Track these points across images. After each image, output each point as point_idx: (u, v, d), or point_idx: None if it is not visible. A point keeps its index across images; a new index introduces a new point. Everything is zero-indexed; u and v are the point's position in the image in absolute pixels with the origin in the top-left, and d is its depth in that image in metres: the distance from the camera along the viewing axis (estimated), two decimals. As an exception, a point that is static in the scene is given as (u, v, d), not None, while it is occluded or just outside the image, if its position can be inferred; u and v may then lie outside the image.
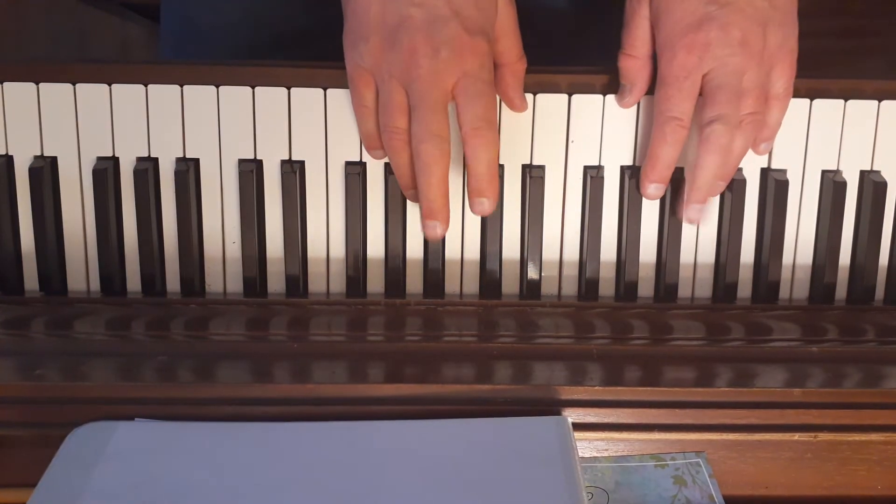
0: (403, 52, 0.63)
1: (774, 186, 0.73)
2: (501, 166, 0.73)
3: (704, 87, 0.67)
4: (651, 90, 0.71)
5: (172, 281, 0.74)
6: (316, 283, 0.75)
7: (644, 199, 0.72)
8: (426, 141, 0.64)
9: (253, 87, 0.71)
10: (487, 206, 0.67)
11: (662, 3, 0.67)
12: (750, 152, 0.71)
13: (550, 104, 0.72)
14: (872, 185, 0.73)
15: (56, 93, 0.71)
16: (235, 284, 0.74)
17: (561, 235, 0.74)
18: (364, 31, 0.65)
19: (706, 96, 0.67)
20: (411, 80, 0.64)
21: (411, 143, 0.65)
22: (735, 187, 0.72)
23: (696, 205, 0.70)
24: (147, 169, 0.71)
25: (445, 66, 0.64)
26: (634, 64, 0.70)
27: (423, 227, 0.68)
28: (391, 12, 0.64)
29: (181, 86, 0.71)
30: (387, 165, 0.72)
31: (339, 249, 0.74)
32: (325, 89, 0.71)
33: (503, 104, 0.71)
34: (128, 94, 0.71)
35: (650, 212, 0.74)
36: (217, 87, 0.71)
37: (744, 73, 0.67)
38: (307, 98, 0.71)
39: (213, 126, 0.72)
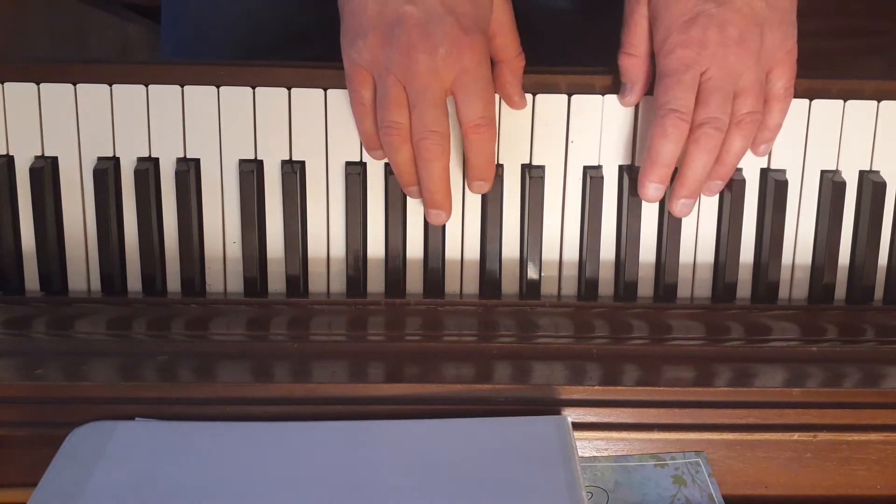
0: (401, 49, 0.64)
1: (774, 186, 0.73)
2: (501, 165, 0.73)
3: (700, 86, 0.67)
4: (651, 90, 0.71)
5: (173, 281, 0.74)
6: (316, 283, 0.75)
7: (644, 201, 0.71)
8: (427, 138, 0.66)
9: (253, 88, 0.71)
10: (486, 187, 0.71)
11: (661, 0, 0.67)
12: (749, 153, 0.72)
13: (550, 104, 0.72)
14: (871, 186, 0.73)
15: (57, 93, 0.71)
16: (236, 284, 0.74)
17: (560, 235, 0.74)
18: (362, 29, 0.65)
19: (700, 96, 0.67)
20: (410, 76, 0.64)
21: (412, 138, 0.66)
22: (734, 187, 0.72)
23: (682, 199, 0.70)
24: (148, 169, 0.72)
25: (444, 63, 0.64)
26: (635, 62, 0.70)
27: (427, 215, 0.70)
28: (388, 10, 0.64)
29: (182, 86, 0.71)
30: (387, 165, 0.72)
31: (339, 249, 0.74)
32: (325, 89, 0.71)
33: (502, 101, 0.72)
34: (128, 94, 0.71)
35: (650, 211, 0.74)
36: (217, 87, 0.71)
37: (741, 72, 0.66)
38: (307, 98, 0.72)
39: (214, 126, 0.72)
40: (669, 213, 0.72)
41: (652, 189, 0.69)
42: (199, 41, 0.88)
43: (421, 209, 0.72)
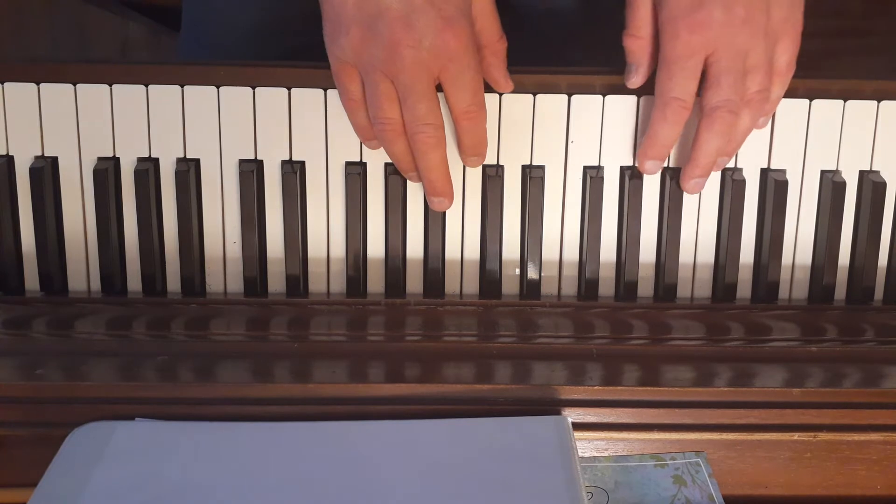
0: (385, 45, 0.64)
1: (774, 186, 0.73)
2: (501, 166, 0.73)
3: (709, 69, 0.66)
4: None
5: (173, 281, 0.74)
6: (316, 283, 0.75)
7: (643, 185, 0.72)
8: (421, 131, 0.66)
9: (253, 88, 0.71)
10: (481, 160, 0.72)
11: None
12: (749, 155, 0.71)
13: (550, 104, 0.72)
14: (871, 186, 0.73)
15: (57, 93, 0.71)
16: (236, 284, 0.74)
17: (561, 235, 0.74)
18: (343, 24, 0.65)
19: (710, 79, 0.66)
20: (396, 71, 0.64)
21: (406, 131, 0.67)
22: (734, 187, 0.72)
23: (696, 179, 0.70)
24: (148, 169, 0.72)
25: (429, 55, 0.64)
26: (640, 44, 0.69)
27: (429, 202, 0.71)
28: (368, 4, 0.64)
29: (182, 86, 0.71)
30: (387, 165, 0.72)
31: (339, 249, 0.74)
32: (325, 90, 0.71)
33: (501, 102, 0.72)
34: (128, 94, 0.71)
35: (650, 212, 0.74)
36: (217, 87, 0.71)
37: (749, 51, 0.66)
38: (307, 98, 0.72)
39: (214, 126, 0.72)
40: (674, 216, 0.72)
41: (650, 164, 0.71)
42: (218, 26, 0.88)
43: (421, 209, 0.72)
